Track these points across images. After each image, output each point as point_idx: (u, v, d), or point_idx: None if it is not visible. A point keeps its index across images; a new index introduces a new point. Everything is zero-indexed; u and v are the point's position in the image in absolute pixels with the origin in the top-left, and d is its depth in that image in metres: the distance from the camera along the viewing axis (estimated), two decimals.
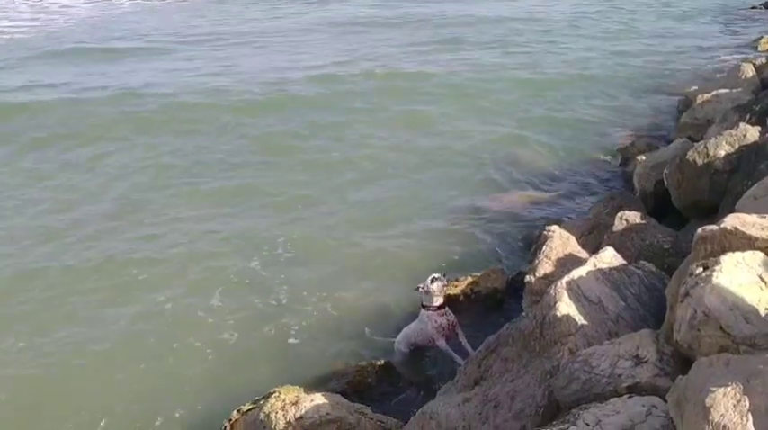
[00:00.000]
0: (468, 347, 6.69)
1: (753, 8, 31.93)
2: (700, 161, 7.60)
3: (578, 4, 32.40)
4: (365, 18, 29.85)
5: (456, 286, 8.05)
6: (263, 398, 5.94)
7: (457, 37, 25.18)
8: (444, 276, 6.93)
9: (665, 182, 8.27)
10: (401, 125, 15.04)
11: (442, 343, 6.82)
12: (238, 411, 6.12)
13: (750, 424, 2.86)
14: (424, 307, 6.90)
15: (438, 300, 6.80)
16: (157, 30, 29.40)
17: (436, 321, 6.81)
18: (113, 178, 12.35)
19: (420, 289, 6.87)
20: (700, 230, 4.33)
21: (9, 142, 14.20)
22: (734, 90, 12.81)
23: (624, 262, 5.60)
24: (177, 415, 6.71)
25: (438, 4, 33.26)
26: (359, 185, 11.89)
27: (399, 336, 7.27)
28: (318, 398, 5.52)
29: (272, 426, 5.41)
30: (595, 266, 5.33)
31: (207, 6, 37.15)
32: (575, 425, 3.52)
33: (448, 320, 6.84)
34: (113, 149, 13.79)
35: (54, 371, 7.42)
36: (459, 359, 6.61)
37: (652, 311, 4.99)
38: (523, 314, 6.10)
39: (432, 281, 6.80)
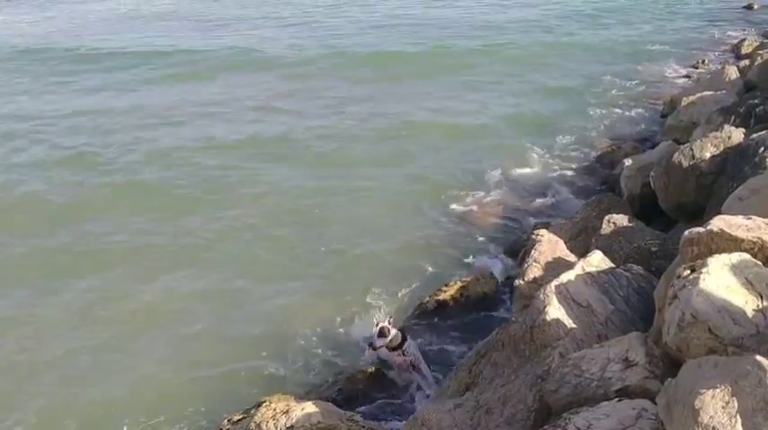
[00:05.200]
0: (427, 387, 6.68)
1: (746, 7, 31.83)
2: (685, 163, 7.66)
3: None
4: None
5: (445, 291, 8.07)
6: (254, 407, 5.93)
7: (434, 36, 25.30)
8: (390, 319, 6.75)
9: (652, 184, 8.32)
10: (386, 131, 15.01)
11: (404, 377, 6.82)
12: (229, 421, 6.11)
13: (739, 425, 2.87)
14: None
15: (382, 343, 6.60)
16: None
17: (394, 361, 6.77)
18: None
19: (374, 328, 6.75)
20: (686, 233, 4.36)
21: None
22: (718, 92, 12.88)
23: (612, 265, 5.63)
24: (165, 426, 6.67)
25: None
26: (341, 193, 11.86)
27: None
28: (309, 407, 5.51)
29: None
30: (584, 270, 5.35)
31: None
32: (565, 429, 3.53)
33: (405, 360, 6.72)
34: None
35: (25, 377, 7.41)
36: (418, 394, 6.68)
37: (641, 314, 5.02)
38: (513, 318, 6.12)
39: (379, 331, 6.62)
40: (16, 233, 10.52)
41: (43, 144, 14.59)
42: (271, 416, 5.50)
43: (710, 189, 7.33)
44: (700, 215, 6.94)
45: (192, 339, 7.96)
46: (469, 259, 9.47)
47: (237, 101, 17.65)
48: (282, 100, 17.65)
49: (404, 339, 6.68)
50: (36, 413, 6.89)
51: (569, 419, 3.61)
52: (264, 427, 5.42)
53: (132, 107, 17.14)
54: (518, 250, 8.80)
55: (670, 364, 3.78)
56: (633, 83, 18.84)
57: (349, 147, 14.02)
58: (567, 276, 5.22)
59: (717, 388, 3.02)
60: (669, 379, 3.42)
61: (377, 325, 6.64)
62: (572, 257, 6.73)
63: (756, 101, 9.88)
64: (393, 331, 6.65)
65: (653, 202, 8.34)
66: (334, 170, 12.78)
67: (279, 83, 19.42)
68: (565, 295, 5.03)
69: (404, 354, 6.68)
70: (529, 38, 25.30)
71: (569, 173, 12.48)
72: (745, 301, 3.60)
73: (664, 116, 14.65)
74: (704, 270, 3.73)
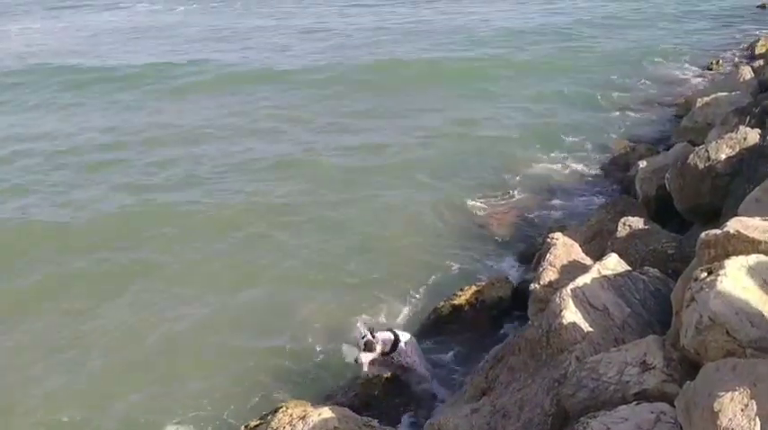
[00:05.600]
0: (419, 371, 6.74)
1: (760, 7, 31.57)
2: (701, 165, 7.60)
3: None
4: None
5: (460, 296, 8.05)
6: (271, 413, 5.93)
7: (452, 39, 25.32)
8: (372, 332, 6.58)
9: (667, 186, 8.27)
10: (402, 139, 15.06)
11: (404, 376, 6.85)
12: (246, 427, 6.12)
13: (758, 428, 2.86)
14: None
15: (367, 358, 6.51)
16: None
17: (385, 363, 6.75)
18: None
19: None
20: (703, 235, 4.34)
21: None
22: (733, 93, 12.81)
23: (628, 268, 5.61)
24: None
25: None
26: (358, 202, 11.89)
27: None
28: (326, 412, 5.51)
29: None
30: (600, 273, 5.34)
31: None
32: None
33: (393, 363, 6.72)
34: None
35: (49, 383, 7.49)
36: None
37: (658, 317, 4.99)
38: (529, 322, 6.10)
39: (364, 345, 6.54)
40: (51, 255, 10.38)
41: (60, 164, 14.44)
42: (287, 421, 5.51)
43: (726, 190, 7.27)
44: (716, 217, 6.89)
45: (208, 346, 8.00)
46: (485, 263, 9.47)
47: (254, 112, 17.66)
48: (298, 110, 17.64)
49: (394, 346, 6.58)
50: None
51: (587, 423, 3.60)
52: None
53: (146, 124, 17.05)
54: (533, 254, 8.78)
55: (688, 367, 3.76)
56: (647, 84, 18.78)
57: (364, 155, 14.09)
58: (583, 280, 5.20)
59: (736, 390, 3.00)
60: (688, 382, 3.41)
61: (363, 337, 6.52)
62: (588, 261, 6.70)
63: None
64: (384, 335, 6.58)
65: (668, 204, 8.29)
66: (349, 179, 12.82)
67: (295, 93, 19.32)
68: (581, 299, 5.02)
69: (393, 360, 6.65)
70: (541, 42, 25.25)
71: (584, 175, 12.46)
72: (764, 303, 3.57)
73: (678, 117, 14.58)
74: (721, 272, 3.71)
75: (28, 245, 10.66)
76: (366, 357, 6.44)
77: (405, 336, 6.77)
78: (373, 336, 6.49)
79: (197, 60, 24.22)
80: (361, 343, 6.48)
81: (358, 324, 7.15)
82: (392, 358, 6.62)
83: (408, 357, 6.67)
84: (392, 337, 6.59)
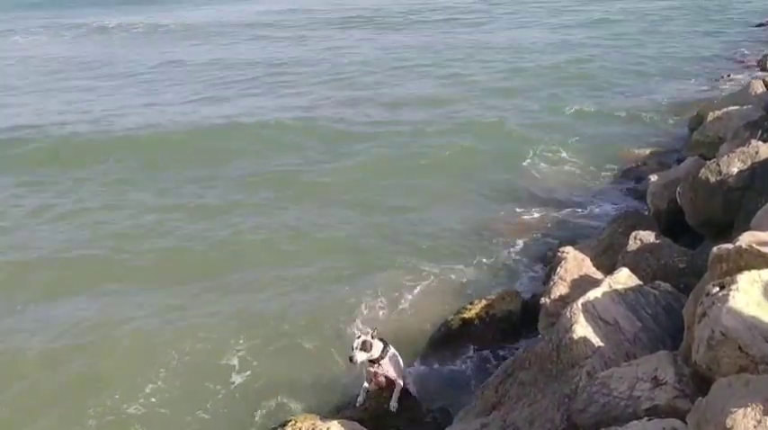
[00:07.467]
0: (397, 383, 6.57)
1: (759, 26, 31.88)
2: (712, 179, 7.57)
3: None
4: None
5: (470, 309, 8.03)
6: (279, 426, 5.93)
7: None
8: (374, 332, 6.53)
9: (679, 200, 8.24)
10: (417, 151, 15.10)
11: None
12: None
13: None
14: None
15: (363, 357, 6.40)
16: None
17: (369, 372, 6.66)
18: None
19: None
20: (715, 249, 4.31)
21: None
22: (744, 107, 12.76)
23: (640, 282, 5.58)
24: None
25: None
26: (367, 207, 11.99)
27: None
28: (335, 426, 5.50)
29: None
30: (611, 287, 5.31)
31: None
32: None
33: (376, 375, 6.63)
34: None
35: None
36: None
37: (669, 332, 4.96)
38: (540, 337, 6.08)
39: (361, 344, 6.42)
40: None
41: None
42: None
43: (738, 204, 7.24)
44: (728, 231, 6.85)
45: (216, 355, 8.00)
46: (494, 276, 9.43)
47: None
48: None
49: (382, 355, 6.49)
50: None
51: None
52: None
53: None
54: (544, 267, 8.75)
55: (700, 383, 3.72)
56: (659, 99, 18.79)
57: (382, 168, 14.15)
58: (594, 294, 5.18)
59: (748, 406, 2.97)
60: (699, 398, 3.37)
61: (358, 337, 6.43)
62: (598, 275, 6.67)
63: None
64: (376, 343, 6.49)
65: (680, 218, 8.26)
66: (367, 186, 12.95)
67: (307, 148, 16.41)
68: (592, 313, 4.99)
69: (379, 366, 6.53)
70: (553, 57, 25.32)
71: (596, 188, 12.48)
72: None
73: (690, 131, 14.54)
74: (733, 287, 3.67)
75: None
76: (361, 356, 6.33)
77: (391, 349, 6.66)
78: (371, 341, 6.42)
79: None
80: (358, 342, 6.36)
81: (356, 327, 7.02)
82: (380, 365, 6.50)
83: (390, 368, 6.55)
84: (381, 346, 6.52)
